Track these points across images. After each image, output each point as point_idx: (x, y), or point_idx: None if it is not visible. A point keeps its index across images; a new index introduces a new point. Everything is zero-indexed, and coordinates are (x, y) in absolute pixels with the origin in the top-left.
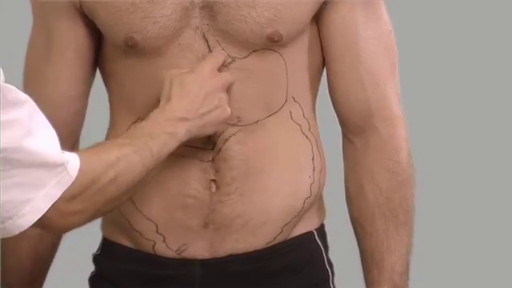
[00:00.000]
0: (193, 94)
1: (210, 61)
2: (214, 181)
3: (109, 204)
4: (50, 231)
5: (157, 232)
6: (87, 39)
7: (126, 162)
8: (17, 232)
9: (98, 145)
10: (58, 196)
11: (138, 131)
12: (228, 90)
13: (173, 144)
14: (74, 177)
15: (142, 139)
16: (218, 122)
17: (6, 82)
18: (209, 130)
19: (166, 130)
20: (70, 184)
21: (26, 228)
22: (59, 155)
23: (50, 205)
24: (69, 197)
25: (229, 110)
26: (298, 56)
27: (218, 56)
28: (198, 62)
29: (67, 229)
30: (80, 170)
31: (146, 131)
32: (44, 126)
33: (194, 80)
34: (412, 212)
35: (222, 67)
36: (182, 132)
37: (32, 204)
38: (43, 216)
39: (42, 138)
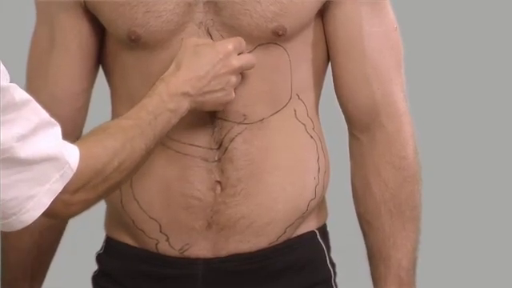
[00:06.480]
0: (203, 71)
1: (233, 41)
2: (218, 182)
3: (111, 190)
4: (53, 219)
5: (160, 231)
6: (91, 35)
7: (130, 147)
8: (20, 227)
9: (103, 128)
10: (60, 190)
11: (142, 110)
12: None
13: (174, 121)
14: (75, 169)
15: (145, 119)
16: (219, 103)
17: (9, 79)
18: (206, 108)
19: (168, 106)
20: (72, 177)
21: (29, 223)
22: (62, 150)
23: (52, 199)
24: (73, 190)
25: (233, 94)
26: (302, 50)
27: (243, 41)
28: None
29: (70, 216)
30: (83, 162)
31: (150, 109)
32: (48, 121)
33: (209, 55)
34: (419, 208)
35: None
36: (183, 107)
37: (36, 199)
38: (46, 208)
39: (47, 133)
